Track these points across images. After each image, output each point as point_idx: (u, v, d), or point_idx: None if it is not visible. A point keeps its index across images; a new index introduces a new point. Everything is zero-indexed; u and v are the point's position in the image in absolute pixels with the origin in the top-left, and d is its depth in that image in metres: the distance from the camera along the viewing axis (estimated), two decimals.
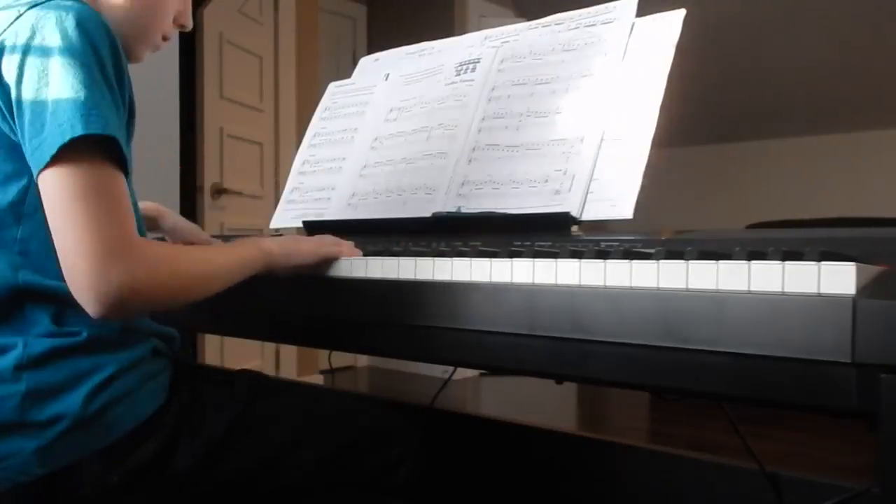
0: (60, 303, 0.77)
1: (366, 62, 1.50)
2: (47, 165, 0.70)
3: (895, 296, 0.54)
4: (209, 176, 3.10)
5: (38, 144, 0.71)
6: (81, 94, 0.71)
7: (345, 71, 1.81)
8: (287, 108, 3.58)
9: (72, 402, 0.75)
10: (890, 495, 0.55)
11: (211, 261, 0.82)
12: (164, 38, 0.95)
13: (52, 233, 0.72)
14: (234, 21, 3.18)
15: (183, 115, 2.70)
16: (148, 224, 1.14)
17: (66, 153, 0.70)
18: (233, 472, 0.84)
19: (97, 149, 0.71)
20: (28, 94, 0.72)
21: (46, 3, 0.76)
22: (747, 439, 1.19)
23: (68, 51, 0.72)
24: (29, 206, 0.76)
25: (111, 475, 0.76)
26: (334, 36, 4.54)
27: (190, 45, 2.96)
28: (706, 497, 1.23)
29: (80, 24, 0.73)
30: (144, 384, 0.80)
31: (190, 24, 0.97)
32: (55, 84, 0.71)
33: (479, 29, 1.35)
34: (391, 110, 1.32)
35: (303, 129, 1.47)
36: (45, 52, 0.73)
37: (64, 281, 0.76)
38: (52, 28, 0.73)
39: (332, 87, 1.47)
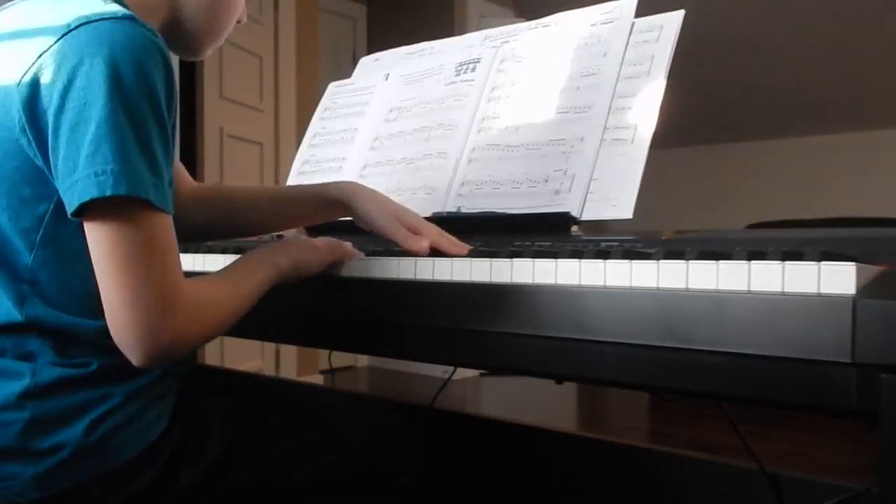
0: (65, 336, 0.75)
1: (366, 62, 1.50)
2: (88, 215, 0.68)
3: (895, 296, 0.54)
4: (209, 176, 3.10)
5: (70, 186, 0.67)
6: (126, 147, 0.67)
7: (345, 71, 1.81)
8: (287, 108, 3.58)
9: (74, 431, 0.73)
10: (890, 495, 0.55)
11: (239, 293, 0.81)
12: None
13: (99, 283, 0.70)
14: None
15: (183, 115, 2.71)
16: (335, 209, 1.01)
17: (108, 203, 0.67)
18: (235, 490, 0.82)
19: (143, 203, 0.68)
20: (66, 127, 0.67)
21: (98, 23, 0.70)
22: (747, 439, 1.19)
23: (117, 91, 0.67)
24: (44, 235, 0.73)
25: (109, 500, 0.75)
26: (334, 36, 4.54)
27: None
28: (706, 497, 1.23)
29: (135, 58, 0.68)
30: (148, 409, 0.78)
31: (245, 18, 0.97)
32: (95, 126, 0.66)
33: (479, 29, 1.35)
34: (391, 110, 1.32)
35: (303, 129, 1.47)
36: (90, 86, 0.67)
37: (73, 314, 0.75)
38: (102, 62, 0.67)
39: (332, 87, 1.47)
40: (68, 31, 0.70)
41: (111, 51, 0.68)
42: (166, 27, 0.88)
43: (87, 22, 0.70)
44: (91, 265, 0.70)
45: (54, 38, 0.71)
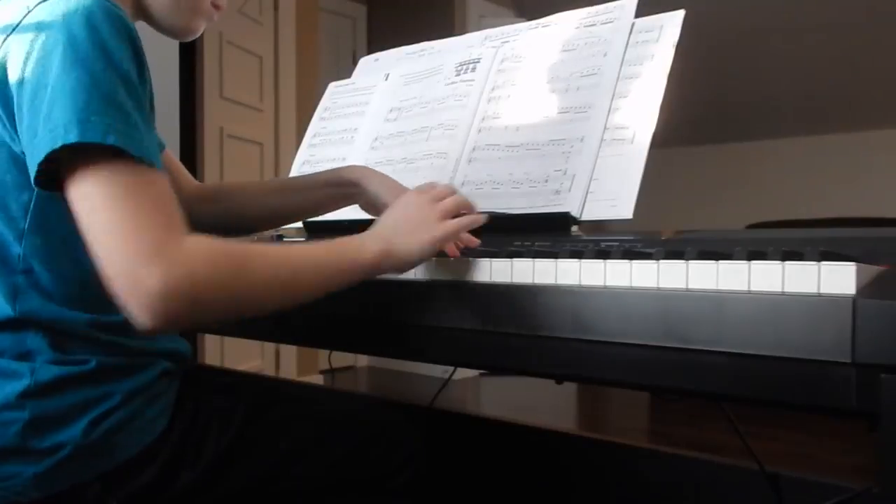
0: (61, 330, 0.75)
1: (366, 62, 1.50)
2: (68, 176, 0.66)
3: (895, 296, 0.54)
4: (209, 176, 3.10)
5: (32, 150, 0.67)
6: (80, 99, 0.65)
7: (345, 71, 1.81)
8: (287, 108, 3.58)
9: (74, 430, 0.73)
10: (890, 495, 0.55)
11: (292, 261, 0.72)
12: (216, 7, 0.91)
13: (86, 242, 0.66)
14: (234, 21, 3.18)
15: (183, 115, 2.70)
16: (346, 190, 0.96)
17: (83, 160, 0.65)
18: (235, 488, 0.82)
19: (116, 152, 0.66)
20: (27, 98, 0.68)
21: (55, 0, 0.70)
22: (747, 439, 1.19)
23: (70, 50, 0.66)
24: (32, 222, 0.73)
25: (110, 499, 0.75)
26: (334, 36, 4.54)
27: (190, 45, 2.96)
28: (706, 497, 1.23)
29: (89, 22, 0.67)
30: (148, 408, 0.78)
31: None
32: (51, 88, 0.66)
33: (479, 29, 1.35)
34: (391, 110, 1.32)
35: (303, 129, 1.47)
36: (47, 56, 0.67)
37: (68, 305, 0.75)
38: (57, 31, 0.68)
39: (332, 87, 1.47)
40: (28, 13, 0.72)
41: (65, 19, 0.68)
42: (139, 15, 0.89)
43: (44, 0, 0.71)
44: (82, 250, 0.67)
45: (15, 24, 0.72)
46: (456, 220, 0.83)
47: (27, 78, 0.68)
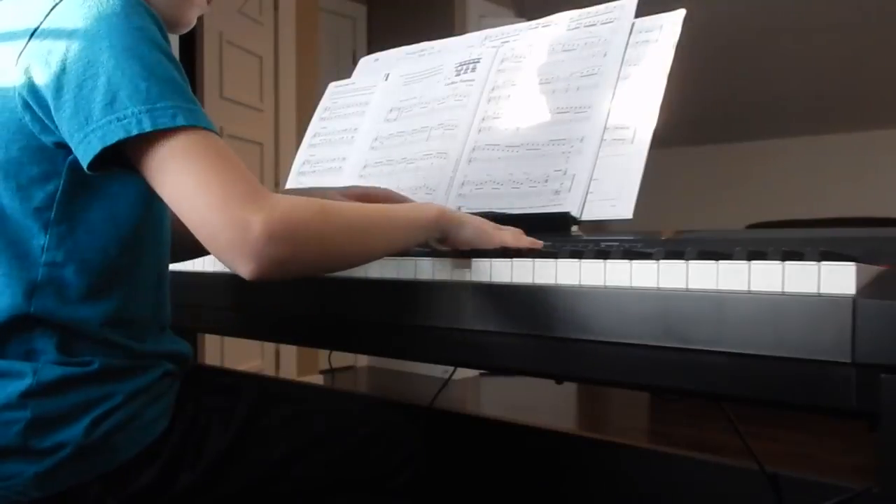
0: (68, 332, 0.75)
1: (366, 62, 1.50)
2: (141, 156, 0.67)
3: (895, 296, 0.54)
4: None
5: (84, 137, 0.67)
6: (142, 87, 0.67)
7: (345, 71, 1.81)
8: (287, 108, 3.58)
9: (75, 430, 0.73)
10: (890, 495, 0.55)
11: (365, 210, 0.76)
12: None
13: (179, 215, 0.69)
14: (234, 21, 3.18)
15: None
16: None
17: (155, 140, 0.67)
18: (235, 489, 0.82)
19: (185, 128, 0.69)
20: (71, 88, 0.68)
21: None
22: (747, 439, 1.19)
23: (120, 44, 0.68)
24: (58, 213, 0.74)
25: (110, 499, 0.75)
26: (334, 36, 4.54)
27: (190, 45, 2.96)
28: (706, 497, 1.23)
29: (124, 12, 0.70)
30: (149, 409, 0.78)
31: None
32: (110, 79, 0.67)
33: (479, 29, 1.35)
34: (391, 110, 1.32)
35: (303, 129, 1.47)
36: (89, 48, 0.68)
37: (86, 300, 0.75)
38: (94, 24, 0.69)
39: (332, 87, 1.47)
40: (51, 10, 0.72)
41: (99, 11, 0.70)
42: None
43: None
44: (107, 237, 0.75)
45: (38, 23, 0.72)
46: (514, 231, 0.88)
47: (68, 72, 0.69)
